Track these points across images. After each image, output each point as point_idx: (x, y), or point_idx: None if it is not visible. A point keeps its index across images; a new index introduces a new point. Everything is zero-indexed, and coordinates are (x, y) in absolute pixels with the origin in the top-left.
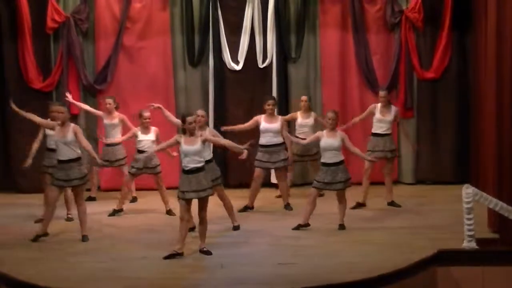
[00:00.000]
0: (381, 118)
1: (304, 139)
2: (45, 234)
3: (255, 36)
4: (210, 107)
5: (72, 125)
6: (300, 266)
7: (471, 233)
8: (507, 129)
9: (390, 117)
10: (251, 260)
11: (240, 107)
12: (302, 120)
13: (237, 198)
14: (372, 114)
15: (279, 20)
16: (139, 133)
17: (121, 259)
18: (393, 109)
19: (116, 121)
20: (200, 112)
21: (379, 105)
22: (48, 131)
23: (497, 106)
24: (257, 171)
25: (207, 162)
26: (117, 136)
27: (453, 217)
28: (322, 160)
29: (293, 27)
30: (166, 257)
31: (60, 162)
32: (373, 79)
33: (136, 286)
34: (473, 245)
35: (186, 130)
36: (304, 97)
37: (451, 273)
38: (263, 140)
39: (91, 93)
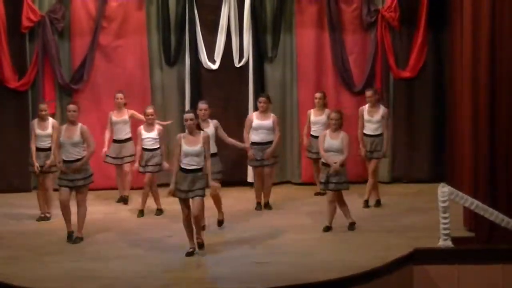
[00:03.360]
0: (368, 119)
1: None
2: (71, 232)
3: (231, 36)
4: (186, 106)
5: (80, 125)
6: (275, 265)
7: (447, 231)
8: (483, 128)
9: (377, 117)
10: (227, 259)
11: (217, 106)
12: (315, 117)
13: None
14: (363, 117)
15: (255, 19)
16: (142, 130)
17: (97, 258)
18: (382, 109)
19: (126, 117)
20: (202, 105)
21: (366, 105)
22: (39, 132)
23: (473, 105)
24: (257, 172)
25: (211, 156)
26: (127, 132)
27: (429, 216)
28: (322, 160)
29: (269, 26)
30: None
31: (66, 162)
32: (349, 78)
33: (111, 286)
34: (448, 243)
35: (186, 128)
36: (318, 94)
37: (427, 272)
38: (256, 137)
39: (67, 93)
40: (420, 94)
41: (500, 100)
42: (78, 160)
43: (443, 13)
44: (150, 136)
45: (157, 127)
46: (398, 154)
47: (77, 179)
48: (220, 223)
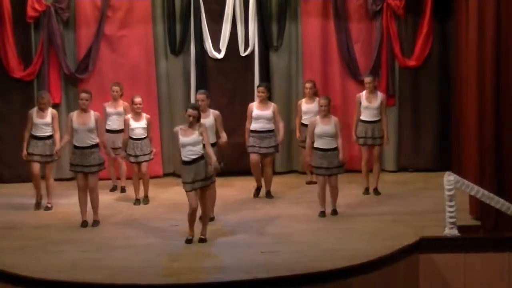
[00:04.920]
0: (367, 105)
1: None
2: (85, 221)
3: (236, 25)
4: (192, 96)
5: (92, 112)
6: (282, 254)
7: (453, 220)
8: (489, 117)
9: (376, 103)
10: (234, 249)
11: (223, 96)
12: (306, 106)
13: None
14: (360, 104)
15: (260, 8)
16: (131, 120)
17: (103, 248)
18: (379, 95)
19: (121, 109)
20: (200, 96)
21: (364, 92)
22: (37, 120)
23: (479, 93)
24: (253, 158)
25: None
26: (121, 124)
27: (435, 204)
28: (316, 146)
29: (274, 15)
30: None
31: (80, 148)
32: (355, 67)
33: (118, 275)
34: (454, 232)
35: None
36: (308, 84)
37: (433, 260)
38: (256, 125)
39: (72, 82)
40: (426, 82)
41: (506, 88)
42: (92, 146)
43: (449, 1)
44: (139, 126)
45: (145, 115)
46: (404, 143)
47: (92, 164)
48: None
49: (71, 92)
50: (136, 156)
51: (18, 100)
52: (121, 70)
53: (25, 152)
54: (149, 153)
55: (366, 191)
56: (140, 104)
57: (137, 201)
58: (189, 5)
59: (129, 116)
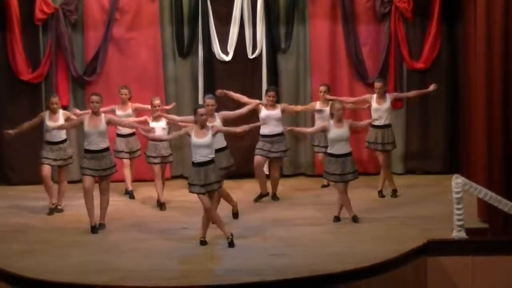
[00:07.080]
0: (377, 107)
1: None
2: (94, 226)
3: (244, 27)
4: (199, 98)
5: (103, 114)
6: (290, 257)
7: (461, 223)
8: (497, 119)
9: (386, 105)
10: (242, 251)
11: (229, 98)
12: (321, 109)
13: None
14: (365, 102)
15: (268, 10)
16: (151, 122)
17: (111, 251)
18: (388, 97)
19: (129, 111)
20: (209, 100)
21: (374, 95)
22: (48, 123)
23: (487, 96)
24: (258, 159)
25: (221, 150)
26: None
27: (442, 207)
28: (330, 151)
29: (282, 18)
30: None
31: (92, 152)
32: (363, 69)
33: (126, 278)
34: (462, 235)
35: (197, 122)
36: (322, 87)
37: (440, 263)
38: (266, 129)
39: (80, 85)
40: None
41: None
42: (103, 149)
43: (457, 3)
44: (159, 126)
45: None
46: (412, 146)
47: (102, 168)
48: (235, 215)
49: (79, 94)
50: (155, 157)
51: (26, 103)
52: (129, 72)
53: (10, 132)
54: (167, 156)
55: (380, 193)
56: (159, 105)
57: (158, 202)
58: (197, 7)
59: (150, 118)
